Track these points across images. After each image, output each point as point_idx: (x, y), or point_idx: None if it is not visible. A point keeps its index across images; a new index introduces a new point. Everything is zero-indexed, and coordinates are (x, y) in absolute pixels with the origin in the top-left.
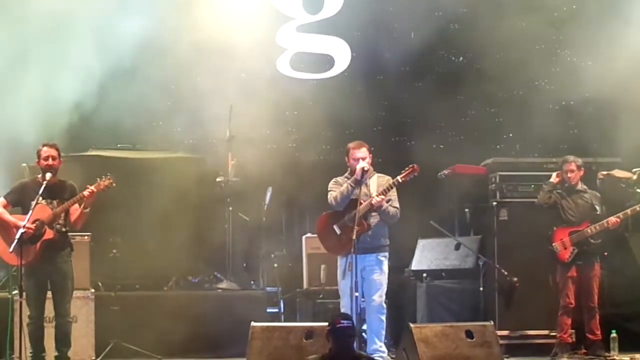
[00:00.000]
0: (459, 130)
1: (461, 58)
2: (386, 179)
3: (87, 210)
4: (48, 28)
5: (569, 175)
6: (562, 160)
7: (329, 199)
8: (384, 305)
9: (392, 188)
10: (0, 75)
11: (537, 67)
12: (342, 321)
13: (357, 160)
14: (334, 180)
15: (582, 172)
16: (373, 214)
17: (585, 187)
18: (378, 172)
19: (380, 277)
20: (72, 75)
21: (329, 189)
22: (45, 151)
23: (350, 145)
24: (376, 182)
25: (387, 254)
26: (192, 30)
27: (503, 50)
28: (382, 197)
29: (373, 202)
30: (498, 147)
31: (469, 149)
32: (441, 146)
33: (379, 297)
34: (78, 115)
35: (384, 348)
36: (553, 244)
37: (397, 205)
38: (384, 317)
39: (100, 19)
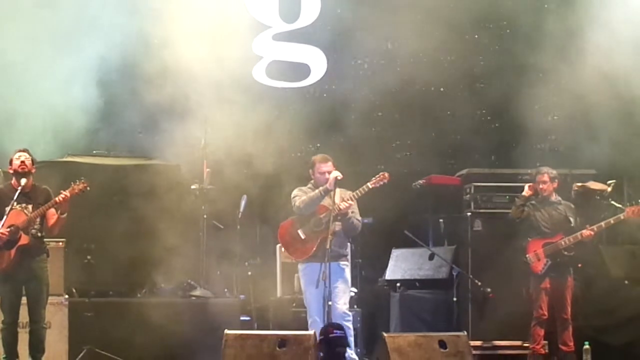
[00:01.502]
0: (432, 139)
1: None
2: (348, 193)
3: (64, 215)
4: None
5: (542, 186)
6: (536, 172)
7: (296, 203)
8: (349, 312)
9: (359, 195)
10: None
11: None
12: (334, 331)
13: (323, 173)
14: (298, 188)
15: (555, 184)
16: (337, 222)
17: (559, 198)
18: (339, 186)
19: (344, 285)
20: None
21: (293, 195)
22: (18, 156)
23: (316, 158)
24: (339, 194)
25: (348, 262)
26: (167, 37)
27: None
28: (351, 203)
29: (342, 206)
30: (475, 157)
31: (443, 160)
32: (419, 154)
33: (343, 304)
34: (56, 121)
35: (354, 355)
36: (527, 256)
37: (359, 218)
38: (350, 324)
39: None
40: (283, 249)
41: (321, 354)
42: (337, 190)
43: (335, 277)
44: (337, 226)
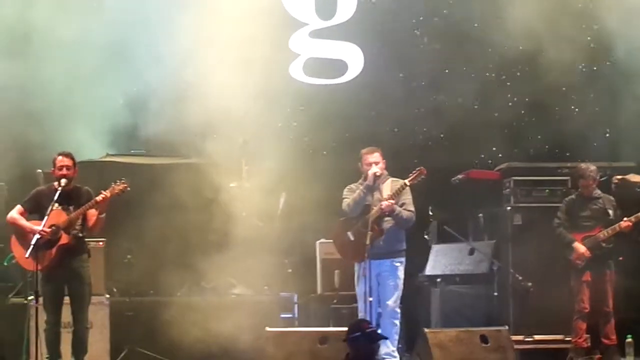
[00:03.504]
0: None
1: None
2: (399, 183)
3: (103, 215)
4: None
5: (587, 189)
6: (579, 175)
7: (343, 206)
8: (398, 311)
9: (401, 191)
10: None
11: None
12: (369, 326)
13: (370, 165)
14: (347, 187)
15: (597, 181)
16: (386, 218)
17: (599, 192)
18: (393, 177)
19: (394, 283)
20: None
21: (343, 196)
22: (60, 160)
23: (363, 151)
24: (390, 187)
25: (402, 259)
26: (206, 37)
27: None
28: (392, 200)
29: (382, 206)
30: (514, 151)
31: (484, 153)
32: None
33: (393, 302)
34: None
35: (396, 353)
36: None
37: (412, 209)
38: (397, 322)
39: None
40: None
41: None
42: (389, 181)
43: (386, 274)
44: (388, 222)
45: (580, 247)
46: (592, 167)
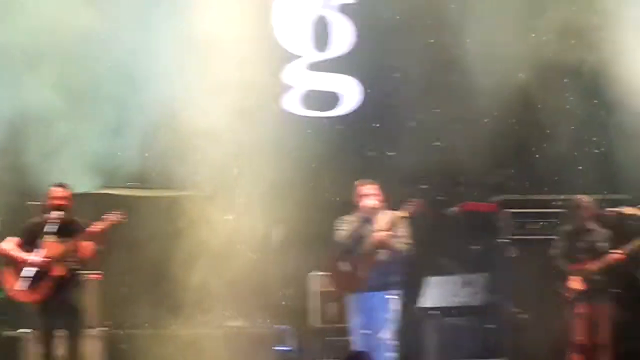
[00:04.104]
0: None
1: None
2: (396, 215)
3: (99, 247)
4: None
5: (584, 221)
6: (576, 206)
7: (337, 237)
8: (393, 343)
9: (397, 224)
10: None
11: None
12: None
13: (364, 197)
14: (342, 218)
15: (594, 213)
16: (380, 250)
17: (595, 225)
18: (389, 209)
19: (388, 316)
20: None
21: (337, 227)
22: (56, 192)
23: (357, 182)
24: (385, 219)
25: (396, 291)
26: (198, 68)
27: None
28: (387, 232)
29: (377, 238)
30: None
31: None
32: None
33: (387, 335)
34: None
35: None
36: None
37: (407, 242)
38: (392, 355)
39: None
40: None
41: None
42: (385, 213)
43: (379, 307)
44: (382, 254)
45: (575, 281)
46: (589, 198)
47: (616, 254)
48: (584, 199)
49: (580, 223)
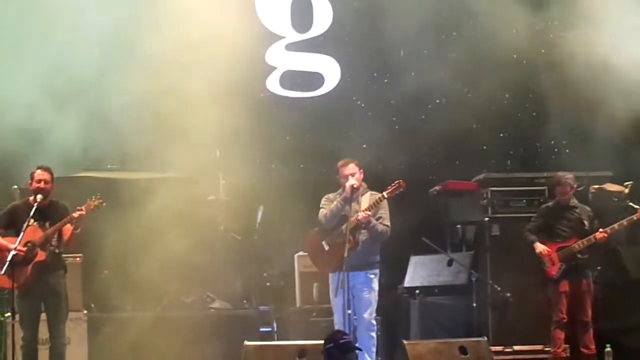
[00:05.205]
0: (449, 146)
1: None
2: (378, 196)
3: (78, 231)
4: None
5: (564, 197)
6: (556, 182)
7: (319, 216)
8: (374, 322)
9: (378, 204)
10: None
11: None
12: (343, 337)
13: (347, 177)
14: (325, 197)
15: (574, 189)
16: (362, 230)
17: (576, 201)
18: (371, 190)
19: (370, 295)
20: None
21: (320, 205)
22: (39, 174)
23: (340, 163)
24: (368, 199)
25: (377, 271)
26: (181, 49)
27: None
28: (369, 212)
29: (359, 217)
30: (492, 162)
31: (460, 165)
32: (434, 162)
33: (369, 314)
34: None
35: None
36: (541, 260)
37: (388, 223)
38: (374, 334)
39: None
40: (298, 258)
41: None
42: (368, 194)
43: (361, 286)
44: (363, 235)
45: (539, 246)
46: (569, 175)
47: (599, 234)
48: (564, 175)
49: (560, 200)
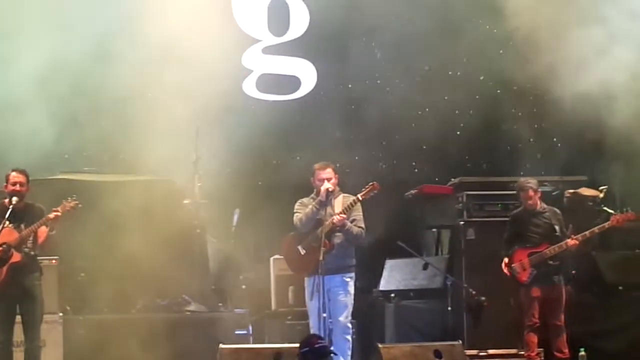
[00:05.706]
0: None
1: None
2: (351, 199)
3: (54, 232)
4: None
5: (529, 202)
6: (519, 188)
7: (294, 220)
8: (350, 326)
9: (353, 206)
10: None
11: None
12: (318, 341)
13: (322, 181)
14: (299, 201)
15: (539, 194)
16: (337, 233)
17: (544, 206)
18: (344, 193)
19: (345, 299)
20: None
21: (294, 210)
22: (14, 177)
23: (316, 166)
24: (342, 202)
25: (352, 274)
26: (157, 51)
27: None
28: (344, 215)
29: (335, 220)
30: (467, 166)
31: (437, 169)
32: (413, 163)
33: (345, 317)
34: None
35: None
36: (512, 265)
37: (362, 225)
38: (349, 337)
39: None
40: (274, 262)
41: None
42: (340, 197)
43: (337, 289)
44: (338, 238)
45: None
46: (531, 180)
47: (571, 241)
48: (526, 180)
49: (527, 205)
